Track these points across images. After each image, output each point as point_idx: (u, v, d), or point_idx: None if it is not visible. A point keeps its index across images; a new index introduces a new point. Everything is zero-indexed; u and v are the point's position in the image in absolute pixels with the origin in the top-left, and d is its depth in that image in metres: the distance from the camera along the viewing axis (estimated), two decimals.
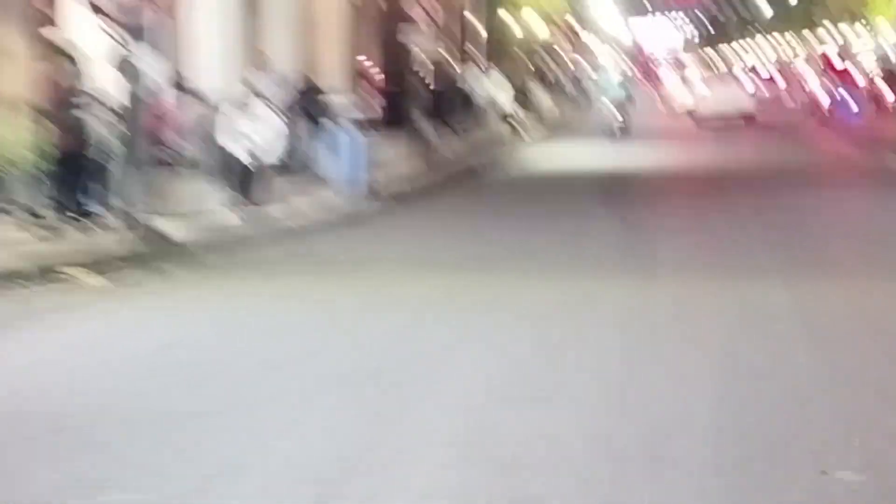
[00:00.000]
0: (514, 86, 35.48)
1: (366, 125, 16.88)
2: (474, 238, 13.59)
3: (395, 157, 18.92)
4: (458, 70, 29.46)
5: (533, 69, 48.84)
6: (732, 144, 30.14)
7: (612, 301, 9.57)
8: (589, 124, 45.15)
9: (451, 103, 27.54)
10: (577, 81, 59.72)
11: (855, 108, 40.49)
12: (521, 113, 31.18)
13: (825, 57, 51.18)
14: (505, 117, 29.87)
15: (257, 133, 13.59)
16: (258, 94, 13.93)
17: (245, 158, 13.52)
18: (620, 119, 30.48)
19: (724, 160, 24.28)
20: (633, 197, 18.23)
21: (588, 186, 19.38)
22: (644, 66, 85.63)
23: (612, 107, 30.71)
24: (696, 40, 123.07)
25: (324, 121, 16.23)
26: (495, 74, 32.65)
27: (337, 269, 11.65)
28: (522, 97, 41.07)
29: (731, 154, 26.24)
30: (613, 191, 18.76)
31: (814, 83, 43.83)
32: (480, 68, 29.71)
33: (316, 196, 15.21)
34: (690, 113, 42.66)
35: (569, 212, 16.15)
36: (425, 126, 21.54)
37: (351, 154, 14.94)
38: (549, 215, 15.60)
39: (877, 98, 41.23)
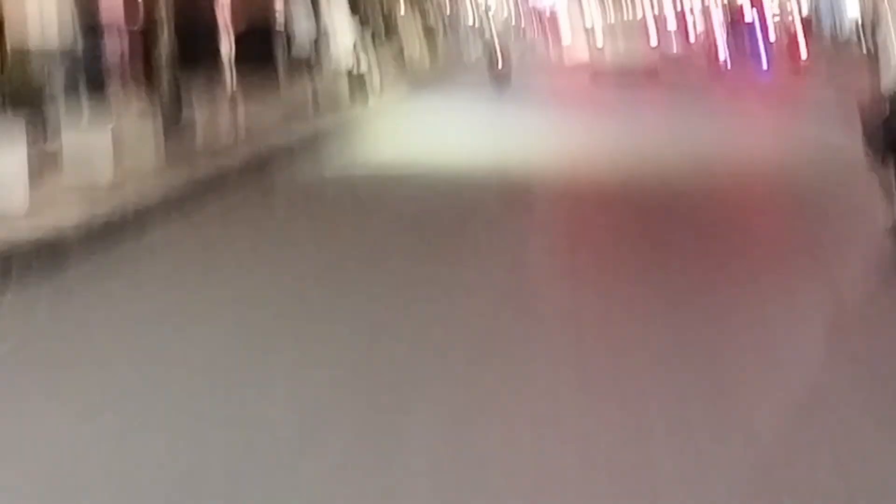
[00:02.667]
0: (374, 24, 28.77)
1: None
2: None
3: (116, 147, 11.41)
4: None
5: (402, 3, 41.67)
6: (634, 113, 23.70)
7: None
8: (466, 72, 38.68)
9: (262, 49, 20.30)
10: (455, 20, 52.65)
11: (764, 63, 36.16)
12: (370, 60, 23.78)
13: (734, 4, 45.69)
14: (345, 67, 22.58)
15: None
16: None
17: None
18: (500, 65, 28.31)
19: (628, 147, 16.45)
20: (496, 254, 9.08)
21: (428, 216, 10.90)
22: (536, 12, 79.22)
23: (492, 51, 28.73)
24: None
25: None
26: (336, 9, 25.44)
27: None
28: (386, 38, 34.15)
29: (635, 133, 19.06)
30: (466, 229, 10.21)
31: (718, 33, 38.83)
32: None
33: None
34: (586, 66, 37.06)
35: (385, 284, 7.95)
36: (188, 89, 14.17)
37: None
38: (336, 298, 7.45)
39: (790, 51, 36.18)
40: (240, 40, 18.99)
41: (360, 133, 18.55)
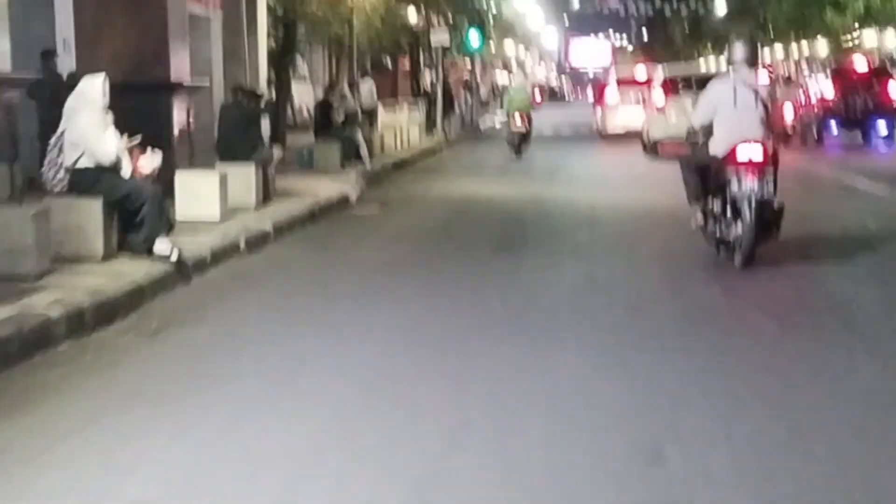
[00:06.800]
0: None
1: None
2: None
3: None
4: None
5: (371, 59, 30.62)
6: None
7: None
8: (472, 152, 28.04)
9: None
10: (472, 90, 41.62)
11: (884, 131, 28.09)
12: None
13: (844, 60, 34.48)
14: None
15: None
16: None
17: None
18: (518, 126, 26.28)
19: None
20: None
21: None
22: (578, 72, 69.45)
23: (508, 111, 26.79)
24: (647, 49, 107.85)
25: None
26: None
27: None
28: (325, 111, 23.01)
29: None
30: None
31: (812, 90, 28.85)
32: None
33: None
34: (641, 138, 27.11)
35: None
36: None
37: None
38: None
39: None
40: None
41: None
